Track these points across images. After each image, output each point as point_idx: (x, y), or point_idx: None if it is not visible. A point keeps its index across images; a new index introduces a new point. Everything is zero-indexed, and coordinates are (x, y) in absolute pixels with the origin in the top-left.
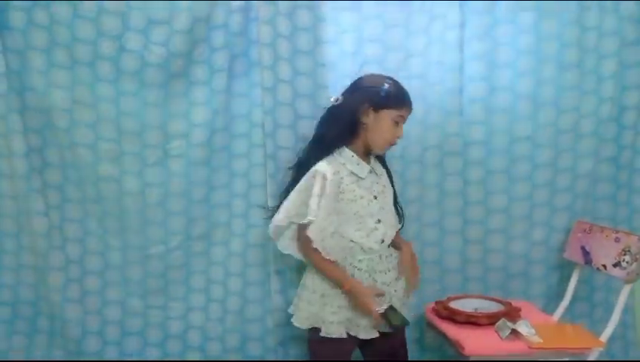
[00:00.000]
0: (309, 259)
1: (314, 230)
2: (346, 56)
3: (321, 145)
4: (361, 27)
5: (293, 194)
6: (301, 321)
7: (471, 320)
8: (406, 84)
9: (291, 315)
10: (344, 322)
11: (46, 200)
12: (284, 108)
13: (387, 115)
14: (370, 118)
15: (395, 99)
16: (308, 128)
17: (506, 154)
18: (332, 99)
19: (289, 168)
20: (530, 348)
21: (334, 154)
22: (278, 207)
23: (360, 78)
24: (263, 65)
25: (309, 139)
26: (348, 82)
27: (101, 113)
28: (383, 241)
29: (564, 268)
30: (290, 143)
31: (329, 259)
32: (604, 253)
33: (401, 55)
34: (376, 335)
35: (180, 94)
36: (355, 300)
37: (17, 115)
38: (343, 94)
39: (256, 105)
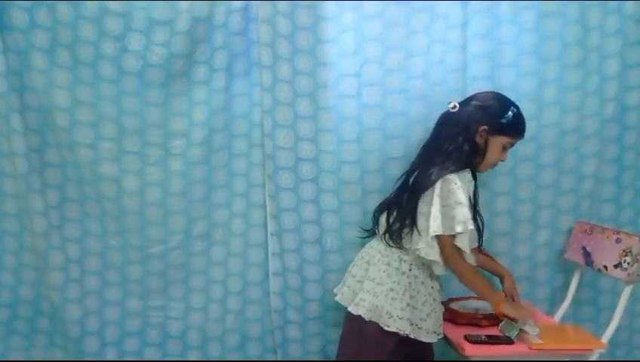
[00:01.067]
0: (459, 272)
1: (465, 241)
2: (347, 56)
3: (445, 156)
4: (361, 26)
5: (436, 207)
6: (363, 311)
7: (472, 322)
8: (408, 84)
9: (290, 314)
10: (407, 320)
11: (46, 200)
12: (283, 107)
13: (500, 141)
14: (482, 140)
15: (514, 127)
16: (307, 128)
17: (510, 155)
18: (450, 105)
19: (401, 176)
20: (530, 348)
21: (459, 171)
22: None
23: (484, 94)
24: (263, 65)
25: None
26: (348, 81)
27: (102, 113)
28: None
29: (570, 272)
30: (290, 143)
31: (481, 274)
32: (605, 253)
33: (402, 54)
34: (434, 340)
35: (180, 94)
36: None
37: (18, 115)
38: (460, 104)
39: (255, 104)
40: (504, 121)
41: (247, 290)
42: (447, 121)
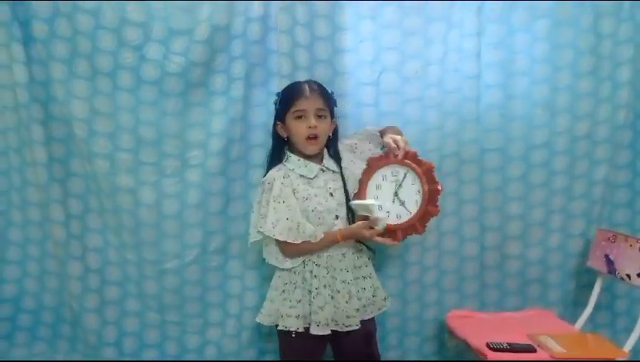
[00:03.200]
0: (294, 257)
1: (281, 233)
2: (365, 65)
3: (271, 158)
4: (379, 35)
5: (254, 207)
6: (262, 318)
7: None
8: (423, 92)
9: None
10: (302, 316)
11: (67, 209)
12: None
13: (289, 119)
14: (282, 130)
15: (285, 99)
16: None
17: (523, 161)
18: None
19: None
20: (552, 357)
21: (284, 162)
22: None
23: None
24: (282, 75)
25: None
26: (367, 90)
27: (120, 123)
28: None
29: (582, 275)
30: None
31: (305, 242)
32: (629, 262)
33: (419, 63)
34: (327, 332)
35: (198, 104)
36: (356, 237)
37: (39, 125)
38: None
39: (273, 114)
40: (275, 106)
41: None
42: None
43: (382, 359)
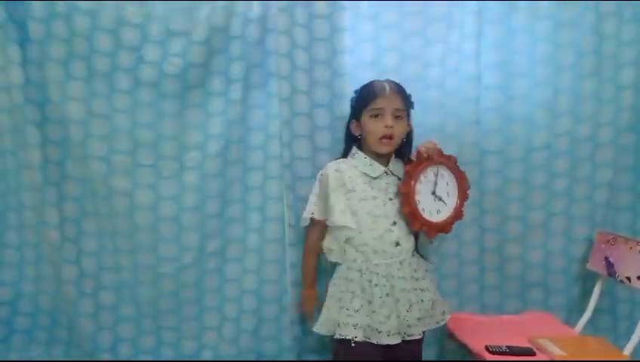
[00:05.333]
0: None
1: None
2: (364, 66)
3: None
4: (379, 37)
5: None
6: (319, 326)
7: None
8: (423, 94)
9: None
10: (361, 326)
11: (62, 213)
12: (301, 118)
13: (365, 117)
14: (357, 127)
15: (363, 97)
16: (325, 139)
17: (523, 163)
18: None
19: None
20: (553, 360)
21: (348, 157)
22: None
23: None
24: (281, 76)
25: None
26: None
27: (117, 125)
28: (397, 244)
29: (587, 280)
30: (308, 154)
31: (309, 260)
32: (629, 264)
33: (419, 64)
34: (398, 341)
35: (196, 105)
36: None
37: (34, 127)
38: None
39: (272, 116)
40: (352, 103)
41: (262, 308)
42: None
43: None
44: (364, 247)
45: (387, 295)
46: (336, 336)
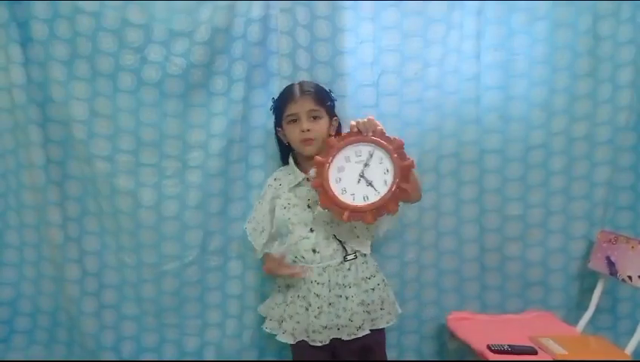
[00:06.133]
0: None
1: (250, 230)
2: (365, 66)
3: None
4: (379, 37)
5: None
6: (268, 324)
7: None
8: (423, 94)
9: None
10: (294, 328)
11: (64, 212)
12: None
13: (284, 124)
14: (282, 136)
15: (276, 108)
16: None
17: (522, 162)
18: None
19: None
20: (554, 358)
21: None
22: None
23: None
24: (283, 76)
25: None
26: (367, 92)
27: (120, 124)
28: (315, 251)
29: (586, 278)
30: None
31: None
32: (630, 264)
33: (419, 65)
34: (327, 342)
35: (199, 105)
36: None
37: (37, 127)
38: None
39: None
40: (271, 110)
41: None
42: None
43: None
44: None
45: (303, 298)
46: (278, 338)
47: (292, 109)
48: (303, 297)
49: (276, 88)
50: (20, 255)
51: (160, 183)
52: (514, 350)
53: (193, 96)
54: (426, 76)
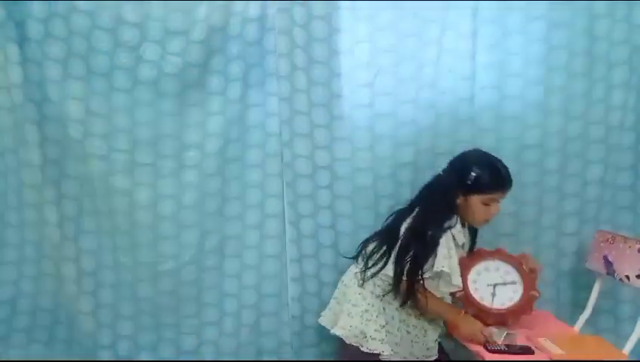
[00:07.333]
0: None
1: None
2: (361, 66)
3: (431, 213)
4: (375, 37)
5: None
6: (342, 332)
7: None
8: (418, 94)
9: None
10: (381, 341)
11: (61, 211)
12: (300, 117)
13: (477, 200)
14: (460, 200)
15: (485, 185)
16: (323, 137)
17: (516, 161)
18: (441, 170)
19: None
20: (551, 358)
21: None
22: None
23: (462, 155)
24: (280, 75)
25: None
26: (362, 91)
27: (116, 124)
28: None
29: (580, 276)
30: (307, 151)
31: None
32: (628, 263)
33: (415, 65)
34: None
35: (195, 104)
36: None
37: (34, 126)
38: (448, 164)
39: (270, 114)
40: (469, 182)
41: (262, 302)
42: (433, 186)
43: None
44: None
45: (401, 321)
46: (361, 348)
47: (498, 196)
48: (403, 321)
49: (273, 87)
50: (20, 253)
51: (156, 182)
52: (511, 350)
53: (189, 95)
54: (420, 76)
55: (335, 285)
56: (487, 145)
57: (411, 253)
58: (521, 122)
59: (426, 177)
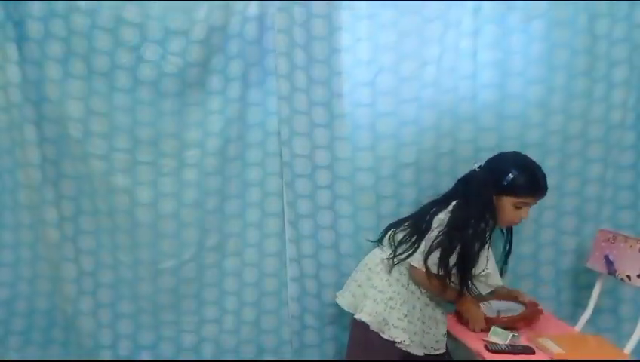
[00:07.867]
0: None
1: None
2: (361, 65)
3: (467, 211)
4: (376, 35)
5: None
6: (367, 318)
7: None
8: (420, 92)
9: (310, 326)
10: (403, 330)
11: (60, 211)
12: (300, 116)
13: (508, 201)
14: (494, 200)
15: (520, 188)
16: (323, 136)
17: None
18: (475, 166)
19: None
20: (552, 358)
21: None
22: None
23: (499, 156)
24: (279, 74)
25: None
26: (363, 90)
27: (116, 123)
28: None
29: (580, 275)
30: (306, 151)
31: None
32: (629, 263)
33: (416, 63)
34: (422, 354)
35: (195, 103)
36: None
37: (32, 126)
38: (485, 162)
39: (270, 113)
40: (505, 183)
41: (262, 300)
42: (468, 181)
43: None
44: None
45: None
46: (382, 335)
47: (531, 201)
48: (433, 309)
49: (273, 86)
50: (16, 254)
51: (157, 181)
52: (511, 349)
53: (189, 94)
54: (422, 75)
55: (335, 285)
56: (488, 144)
57: (457, 248)
58: (522, 121)
59: (429, 177)
